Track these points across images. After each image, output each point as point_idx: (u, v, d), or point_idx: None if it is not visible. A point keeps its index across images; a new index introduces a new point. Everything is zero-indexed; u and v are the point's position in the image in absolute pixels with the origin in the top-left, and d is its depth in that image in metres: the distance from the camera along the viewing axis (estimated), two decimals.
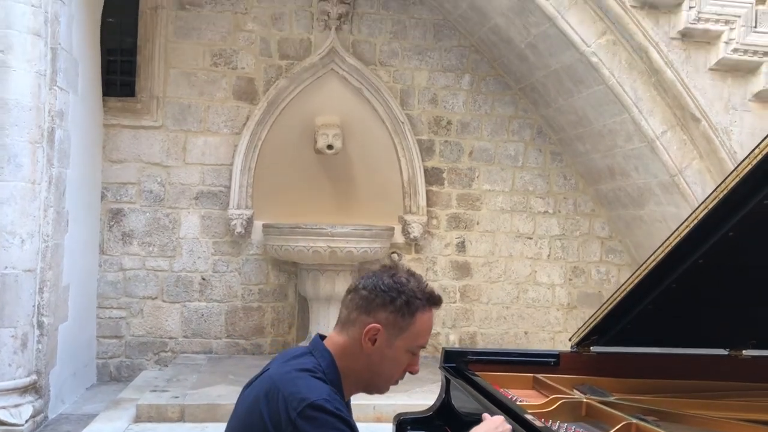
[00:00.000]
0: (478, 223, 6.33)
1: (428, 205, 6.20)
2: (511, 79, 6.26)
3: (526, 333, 6.34)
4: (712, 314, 2.30)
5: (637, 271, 2.08)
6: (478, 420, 1.98)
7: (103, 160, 5.82)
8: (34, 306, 4.56)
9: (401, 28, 6.24)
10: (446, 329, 6.20)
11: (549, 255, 6.39)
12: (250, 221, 5.97)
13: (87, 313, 5.61)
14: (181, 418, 4.42)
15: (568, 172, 6.39)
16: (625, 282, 2.13)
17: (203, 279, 5.99)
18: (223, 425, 1.67)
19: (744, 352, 2.49)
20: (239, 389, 1.65)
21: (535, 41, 5.34)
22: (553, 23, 4.94)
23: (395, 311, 1.58)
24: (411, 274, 1.66)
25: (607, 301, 2.23)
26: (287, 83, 6.00)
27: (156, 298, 5.93)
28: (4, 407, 4.32)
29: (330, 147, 5.92)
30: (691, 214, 1.88)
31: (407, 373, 1.68)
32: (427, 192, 6.20)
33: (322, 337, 1.66)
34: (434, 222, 6.26)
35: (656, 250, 2.01)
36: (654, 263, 2.01)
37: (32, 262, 4.53)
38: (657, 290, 2.09)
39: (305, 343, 2.49)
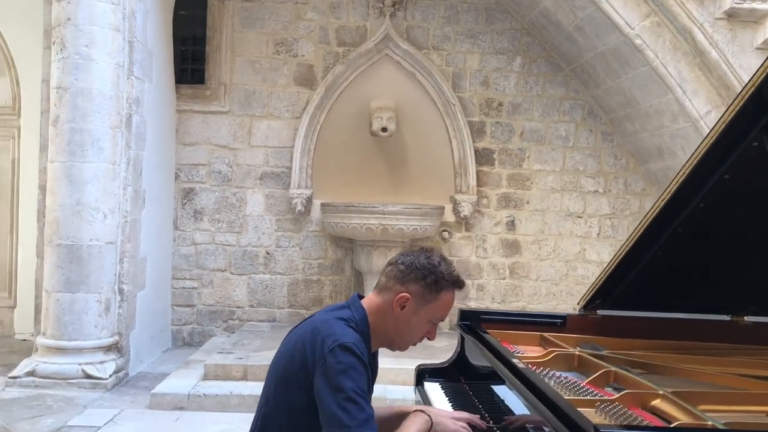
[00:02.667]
0: (528, 203, 6.52)
1: (479, 184, 6.43)
2: (562, 61, 6.39)
3: (574, 309, 6.48)
4: (711, 280, 2.48)
5: (632, 232, 2.29)
6: (488, 370, 2.27)
7: (176, 143, 6.32)
8: (115, 275, 5.09)
9: (453, 12, 6.45)
10: (495, 304, 6.43)
11: (599, 233, 6.52)
12: (309, 200, 6.36)
13: (162, 283, 6.15)
14: (244, 377, 4.85)
15: (618, 152, 6.48)
16: (623, 244, 2.34)
17: (267, 253, 6.44)
18: None
19: (745, 318, 2.66)
20: None
21: (581, 24, 5.47)
22: (597, 6, 5.06)
23: (425, 286, 1.88)
24: (443, 258, 1.95)
25: (608, 264, 2.45)
26: (344, 69, 6.34)
27: (225, 270, 6.42)
28: (90, 363, 4.89)
29: (384, 129, 6.23)
30: (683, 167, 2.04)
31: (427, 340, 1.97)
32: (478, 172, 6.43)
33: (360, 297, 1.98)
34: (484, 201, 6.49)
35: (650, 209, 2.20)
36: (647, 223, 2.21)
37: (113, 235, 5.06)
38: (653, 251, 2.28)
39: None
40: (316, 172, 6.40)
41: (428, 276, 1.87)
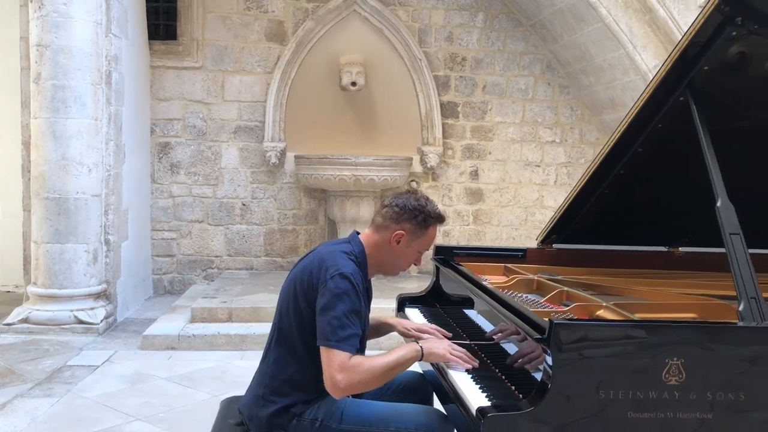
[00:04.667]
0: (490, 153, 6.90)
1: (444, 136, 6.78)
2: (522, 16, 6.70)
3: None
4: (651, 216, 2.89)
5: (582, 175, 2.67)
6: (460, 298, 2.65)
7: (151, 98, 6.48)
8: (101, 226, 5.33)
9: None
10: None
11: (556, 181, 6.96)
12: (283, 153, 6.63)
13: (143, 234, 6.39)
14: (229, 319, 5.20)
15: (574, 104, 6.88)
16: (575, 185, 2.72)
17: (243, 204, 6.72)
18: (265, 325, 2.33)
19: (680, 249, 3.09)
20: (277, 297, 2.29)
21: None
22: None
23: (416, 224, 2.22)
24: (427, 199, 2.30)
25: (563, 202, 2.84)
26: (313, 25, 6.54)
27: (202, 221, 6.69)
28: (82, 309, 5.16)
29: (354, 84, 6.49)
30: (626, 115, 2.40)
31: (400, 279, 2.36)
32: (443, 124, 6.77)
33: (358, 233, 2.32)
34: (450, 152, 6.85)
35: (597, 154, 2.58)
36: (595, 166, 2.59)
37: (98, 189, 5.28)
38: (600, 191, 2.67)
39: None
40: (289, 126, 6.65)
41: (419, 215, 2.23)
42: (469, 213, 6.94)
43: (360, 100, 6.65)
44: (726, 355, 1.69)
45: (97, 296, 5.31)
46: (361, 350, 2.13)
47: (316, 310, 2.05)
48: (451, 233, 6.88)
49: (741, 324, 1.75)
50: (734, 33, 1.90)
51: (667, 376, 1.64)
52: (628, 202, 2.81)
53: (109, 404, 3.77)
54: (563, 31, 6.15)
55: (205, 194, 6.68)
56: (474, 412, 1.70)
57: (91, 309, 5.20)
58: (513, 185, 6.95)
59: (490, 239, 6.92)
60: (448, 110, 6.81)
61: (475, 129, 6.88)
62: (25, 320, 5.11)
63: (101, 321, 5.19)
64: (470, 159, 6.90)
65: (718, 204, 1.95)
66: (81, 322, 5.12)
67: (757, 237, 2.85)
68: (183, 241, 6.68)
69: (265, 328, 2.51)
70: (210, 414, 2.51)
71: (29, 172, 5.30)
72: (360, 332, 2.06)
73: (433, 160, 6.73)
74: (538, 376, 1.70)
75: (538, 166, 6.96)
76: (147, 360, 4.61)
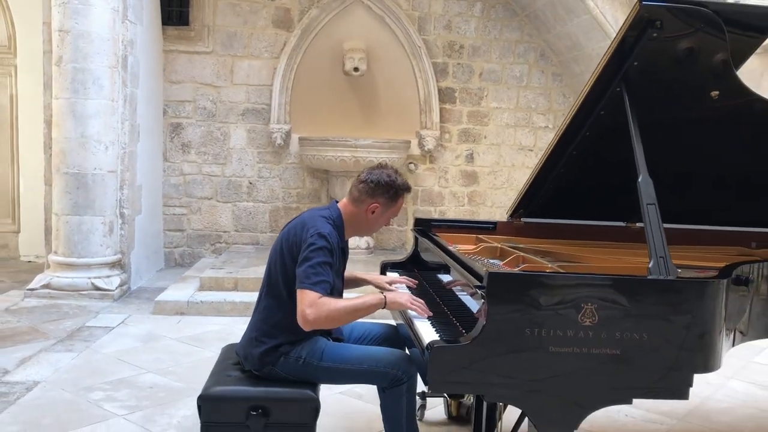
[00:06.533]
0: (485, 137, 7.24)
1: (441, 121, 7.12)
2: (517, 7, 7.01)
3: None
4: (609, 194, 3.23)
5: (541, 157, 3.01)
6: (437, 265, 3.02)
7: (164, 81, 6.86)
8: (117, 200, 5.73)
9: None
10: None
11: None
12: (288, 134, 6.99)
13: (155, 210, 6.80)
14: (235, 288, 5.59)
15: (566, 91, 7.19)
16: (535, 166, 3.07)
17: (250, 183, 7.11)
18: None
19: (636, 224, 3.43)
20: None
21: None
22: None
23: (388, 197, 2.59)
24: (396, 172, 2.66)
25: (526, 181, 3.18)
26: (318, 12, 6.89)
27: (211, 198, 7.09)
28: (98, 277, 5.58)
29: (356, 69, 6.84)
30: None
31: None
32: (441, 109, 7.11)
33: (337, 202, 2.68)
34: (446, 136, 7.19)
35: (552, 138, 2.91)
36: (551, 147, 2.93)
37: (114, 165, 5.67)
38: (556, 170, 3.00)
39: None
40: (294, 109, 7.02)
41: (390, 189, 2.59)
42: (464, 194, 7.30)
43: (362, 85, 6.99)
44: (634, 303, 2.04)
45: (113, 265, 5.72)
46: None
47: (298, 262, 2.42)
48: (447, 213, 7.24)
49: (649, 278, 2.11)
50: (655, 34, 2.24)
51: (582, 318, 2.00)
52: (586, 181, 3.15)
53: (123, 359, 4.18)
54: (555, 22, 6.46)
55: (214, 173, 7.06)
56: (425, 346, 2.07)
57: (107, 277, 5.62)
58: (507, 168, 7.29)
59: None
60: (445, 96, 7.14)
61: (471, 114, 7.21)
62: (47, 286, 5.53)
63: (116, 288, 5.61)
64: (466, 143, 7.24)
65: (639, 179, 2.30)
66: (97, 288, 5.53)
67: (697, 214, 3.23)
68: (193, 217, 7.08)
69: None
70: None
71: (50, 149, 5.69)
72: (330, 281, 2.39)
73: (430, 144, 7.07)
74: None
75: (531, 150, 7.29)
76: (158, 323, 5.02)
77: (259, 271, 5.82)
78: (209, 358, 4.24)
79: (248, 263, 6.16)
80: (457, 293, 2.61)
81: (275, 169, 7.12)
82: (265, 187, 7.13)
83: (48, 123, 5.81)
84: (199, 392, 2.44)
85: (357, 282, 2.83)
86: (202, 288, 5.60)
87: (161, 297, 5.40)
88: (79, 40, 5.39)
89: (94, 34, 5.43)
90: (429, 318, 2.42)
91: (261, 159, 7.10)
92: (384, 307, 2.42)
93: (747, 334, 2.57)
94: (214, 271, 5.84)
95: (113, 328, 4.85)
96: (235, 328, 4.90)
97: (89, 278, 5.54)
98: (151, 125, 6.53)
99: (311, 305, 2.27)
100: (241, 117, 7.03)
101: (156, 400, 3.52)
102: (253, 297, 5.35)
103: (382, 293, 2.49)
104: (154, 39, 6.55)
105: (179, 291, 5.58)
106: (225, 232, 7.14)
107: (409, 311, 2.47)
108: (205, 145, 7.03)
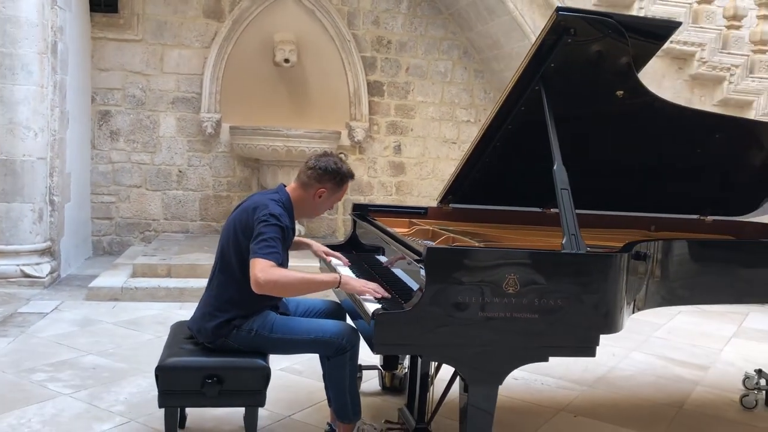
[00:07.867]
0: (411, 130, 7.55)
1: (370, 113, 7.38)
2: (442, 5, 7.34)
3: None
4: (528, 183, 3.56)
5: (468, 148, 3.31)
6: (373, 246, 3.27)
7: (92, 68, 6.81)
8: (46, 187, 5.70)
9: None
10: None
11: None
12: (218, 123, 7.08)
13: (84, 198, 6.75)
14: (168, 275, 5.67)
15: (487, 87, 7.60)
16: (462, 156, 3.37)
17: (180, 171, 7.15)
18: (201, 281, 2.87)
19: (551, 210, 3.79)
20: (213, 257, 2.85)
21: None
22: None
23: (335, 183, 2.82)
24: (341, 159, 2.89)
25: (455, 170, 3.48)
26: (249, 3, 7.00)
27: (140, 186, 7.09)
28: (28, 264, 5.54)
29: (287, 60, 7.00)
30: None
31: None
32: (370, 102, 7.37)
33: (285, 186, 2.88)
34: (375, 128, 7.46)
35: (478, 130, 3.22)
36: (477, 140, 3.23)
37: (44, 152, 5.63)
38: (481, 161, 3.32)
39: None
40: (225, 98, 7.11)
41: (336, 176, 2.82)
42: (392, 184, 7.59)
43: (292, 76, 7.16)
44: (550, 273, 2.36)
45: (42, 253, 5.68)
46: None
47: (252, 239, 2.62)
48: (376, 202, 7.50)
49: (563, 252, 2.43)
50: (570, 40, 2.57)
51: (506, 286, 2.30)
52: (509, 170, 3.47)
53: (62, 342, 4.23)
54: (477, 21, 6.82)
55: (144, 161, 7.07)
56: (370, 314, 2.33)
57: (37, 264, 5.59)
58: (432, 160, 7.63)
59: None
60: (374, 89, 7.40)
61: (398, 107, 7.50)
62: None
63: (47, 275, 5.59)
64: (394, 135, 7.53)
65: (554, 167, 2.62)
66: (27, 276, 5.50)
67: (608, 200, 3.61)
68: (122, 205, 7.07)
69: (201, 283, 3.08)
70: (156, 350, 2.97)
71: None
72: (281, 254, 2.59)
73: (360, 135, 7.32)
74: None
75: (455, 143, 7.65)
76: (93, 308, 5.06)
77: (192, 258, 5.97)
78: (149, 340, 4.37)
79: (180, 250, 6.24)
80: (392, 270, 2.88)
81: (205, 157, 7.19)
82: (195, 176, 7.19)
83: None
84: (144, 372, 2.59)
85: (298, 245, 3.07)
86: (134, 274, 5.66)
87: (94, 283, 5.43)
88: (7, 24, 5.33)
89: (23, 19, 5.38)
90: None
91: (191, 147, 7.15)
92: (337, 287, 2.63)
93: (644, 307, 2.96)
94: (147, 258, 5.90)
95: (47, 313, 4.87)
96: (172, 313, 5.02)
97: (18, 265, 5.50)
98: (80, 112, 6.48)
99: (262, 270, 2.44)
100: (171, 105, 7.06)
101: (100, 379, 3.62)
102: (186, 283, 5.56)
103: (338, 274, 2.71)
104: (83, 25, 6.50)
105: (112, 278, 5.62)
106: (154, 220, 7.16)
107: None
108: (134, 133, 7.02)
